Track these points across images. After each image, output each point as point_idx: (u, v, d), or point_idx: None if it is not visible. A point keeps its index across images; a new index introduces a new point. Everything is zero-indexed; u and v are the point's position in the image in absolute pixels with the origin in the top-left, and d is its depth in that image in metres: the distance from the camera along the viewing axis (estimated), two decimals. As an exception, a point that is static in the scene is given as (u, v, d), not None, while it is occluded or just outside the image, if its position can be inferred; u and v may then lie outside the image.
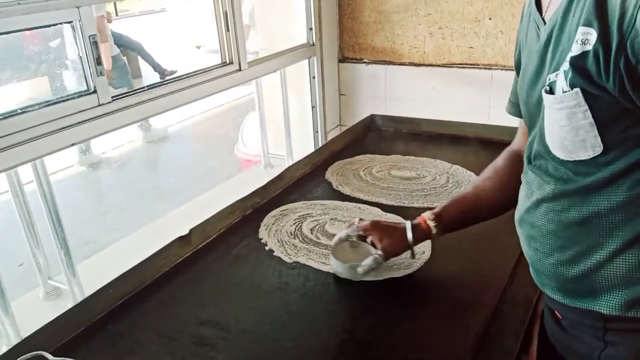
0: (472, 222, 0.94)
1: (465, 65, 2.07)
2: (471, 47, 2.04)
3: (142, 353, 0.78)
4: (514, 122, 0.94)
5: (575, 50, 0.59)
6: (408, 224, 0.91)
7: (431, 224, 0.90)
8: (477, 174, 1.28)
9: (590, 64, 0.57)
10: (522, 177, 0.78)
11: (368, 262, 0.88)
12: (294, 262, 0.98)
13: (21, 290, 1.65)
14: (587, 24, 0.57)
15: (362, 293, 0.89)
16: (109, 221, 3.53)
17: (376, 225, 0.93)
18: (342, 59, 2.31)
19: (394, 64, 2.21)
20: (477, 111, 2.03)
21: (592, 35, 0.56)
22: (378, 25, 2.18)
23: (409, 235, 0.89)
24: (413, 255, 0.91)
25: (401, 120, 1.73)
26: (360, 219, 0.96)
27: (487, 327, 0.79)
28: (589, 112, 0.60)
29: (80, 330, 0.85)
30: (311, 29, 2.15)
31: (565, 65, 0.60)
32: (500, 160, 0.94)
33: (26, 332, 1.25)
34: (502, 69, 2.00)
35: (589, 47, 0.57)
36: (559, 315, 0.76)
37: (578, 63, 0.58)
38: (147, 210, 3.55)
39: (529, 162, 0.75)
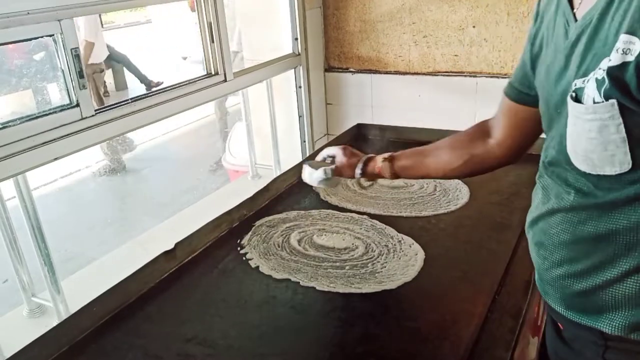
0: (421, 176, 0.99)
1: (450, 73, 2.08)
2: (456, 55, 2.05)
3: (127, 373, 0.76)
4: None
5: (615, 59, 0.55)
6: (363, 158, 1.00)
7: (382, 165, 0.95)
8: (465, 183, 1.29)
9: (630, 77, 0.54)
10: (538, 180, 0.76)
11: (319, 172, 1.00)
12: (283, 278, 0.97)
13: (4, 308, 1.62)
14: (632, 31, 0.53)
15: (352, 305, 0.88)
16: (94, 236, 3.49)
17: (344, 149, 1.03)
18: (328, 69, 2.31)
19: (379, 72, 2.21)
20: (463, 118, 2.03)
21: (636, 45, 0.53)
22: (363, 34, 2.19)
23: (358, 170, 0.98)
24: (361, 186, 1.21)
25: (388, 129, 1.73)
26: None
27: (477, 337, 0.79)
28: (622, 126, 0.56)
29: (63, 350, 0.83)
30: (296, 39, 2.15)
31: (599, 74, 0.56)
32: (468, 130, 0.96)
33: (10, 352, 1.22)
34: (487, 77, 2.01)
35: (631, 58, 0.53)
36: (560, 327, 0.74)
37: (617, 74, 0.54)
38: (132, 224, 3.51)
39: (545, 166, 0.72)
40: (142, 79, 6.82)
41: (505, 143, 0.88)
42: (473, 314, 0.83)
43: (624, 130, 0.56)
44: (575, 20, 0.64)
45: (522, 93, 0.82)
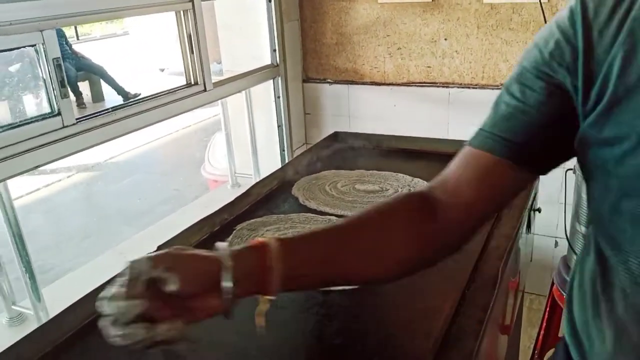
0: (325, 284, 0.71)
1: (423, 84, 2.15)
2: (429, 67, 2.13)
3: (113, 369, 0.79)
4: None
5: None
6: (225, 255, 0.58)
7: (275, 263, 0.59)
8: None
9: None
10: (628, 310, 0.59)
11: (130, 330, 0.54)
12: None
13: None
14: None
15: (330, 301, 0.92)
16: (72, 247, 3.46)
17: (174, 258, 0.57)
18: (306, 79, 2.37)
19: (356, 83, 2.28)
20: (437, 127, 2.11)
21: None
22: (340, 46, 2.26)
23: (226, 283, 0.57)
24: (227, 314, 0.60)
25: (364, 137, 1.78)
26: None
27: (449, 327, 0.83)
28: None
29: (48, 350, 0.85)
30: (275, 50, 2.20)
31: None
32: (394, 206, 0.70)
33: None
34: (458, 87, 2.09)
35: None
36: None
37: None
38: (111, 235, 3.49)
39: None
40: (119, 90, 6.80)
41: (472, 214, 0.68)
42: (445, 307, 0.88)
43: None
44: None
45: (518, 146, 0.62)
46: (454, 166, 0.69)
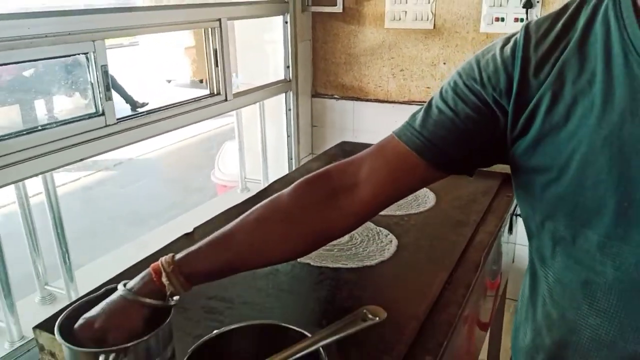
0: (230, 272, 0.75)
1: (423, 103, 2.35)
2: (428, 87, 2.33)
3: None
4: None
5: None
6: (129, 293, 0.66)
7: (170, 282, 0.67)
8: (432, 190, 1.53)
9: None
10: (601, 304, 0.62)
11: None
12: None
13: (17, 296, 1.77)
14: None
15: (339, 276, 1.10)
16: (81, 245, 3.61)
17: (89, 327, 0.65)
18: (315, 95, 2.57)
19: (361, 100, 2.48)
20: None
21: None
22: (347, 66, 2.46)
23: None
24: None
25: (369, 146, 1.97)
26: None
27: (437, 299, 1.01)
28: None
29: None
30: (288, 67, 2.41)
31: None
32: (298, 192, 0.75)
33: (25, 332, 1.39)
34: (455, 107, 2.29)
35: None
36: None
37: None
38: (121, 236, 3.65)
39: (616, 291, 0.60)
40: (128, 99, 6.98)
41: (375, 200, 0.73)
42: (434, 285, 1.06)
43: None
44: None
45: (441, 152, 0.68)
46: (374, 153, 0.74)
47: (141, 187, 4.97)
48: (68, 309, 0.66)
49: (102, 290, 0.69)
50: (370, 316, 0.62)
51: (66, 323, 0.63)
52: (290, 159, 2.54)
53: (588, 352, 0.63)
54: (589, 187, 0.57)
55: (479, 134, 0.66)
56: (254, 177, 2.54)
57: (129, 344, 0.60)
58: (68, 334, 0.61)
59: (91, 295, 0.69)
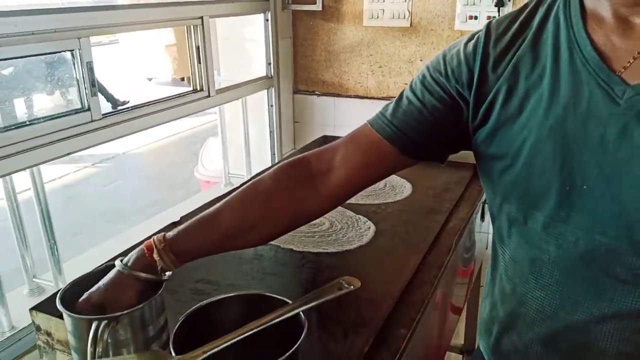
0: (216, 251, 0.81)
1: (401, 98, 2.43)
2: (406, 84, 2.40)
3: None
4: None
5: None
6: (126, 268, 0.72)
7: (160, 258, 0.73)
8: (409, 181, 1.61)
9: None
10: (535, 281, 0.68)
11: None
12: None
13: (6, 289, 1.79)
14: None
15: (320, 260, 1.17)
16: (65, 243, 3.61)
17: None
18: (296, 91, 2.63)
19: (341, 96, 2.54)
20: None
21: None
22: (327, 63, 2.53)
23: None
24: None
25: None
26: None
27: (411, 279, 1.08)
28: None
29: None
30: (270, 64, 2.46)
31: None
32: (276, 175, 0.80)
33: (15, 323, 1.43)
34: (431, 102, 2.37)
35: None
36: None
37: None
38: (104, 233, 3.66)
39: (570, 262, 0.64)
40: (109, 97, 6.95)
41: (348, 184, 0.78)
42: (409, 266, 1.13)
43: None
44: (626, 84, 0.58)
45: (410, 140, 0.74)
46: (348, 140, 0.79)
47: (123, 185, 4.97)
48: (69, 283, 0.71)
49: (103, 265, 0.74)
50: (345, 285, 0.68)
51: (67, 296, 0.68)
52: (273, 154, 2.59)
53: (534, 322, 0.70)
54: (537, 173, 0.63)
55: (444, 123, 0.72)
56: (238, 172, 2.59)
57: (120, 313, 0.66)
58: (68, 306, 0.67)
59: (91, 270, 0.74)
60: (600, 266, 0.61)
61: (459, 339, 2.01)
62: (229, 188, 2.59)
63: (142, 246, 0.74)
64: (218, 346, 0.59)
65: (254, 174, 2.50)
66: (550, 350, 0.69)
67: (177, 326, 0.66)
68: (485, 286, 0.88)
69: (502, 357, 0.77)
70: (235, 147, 2.56)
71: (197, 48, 2.02)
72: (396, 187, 1.57)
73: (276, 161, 2.57)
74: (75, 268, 1.90)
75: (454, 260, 1.24)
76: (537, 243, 0.66)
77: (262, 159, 2.60)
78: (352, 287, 0.69)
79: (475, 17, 2.18)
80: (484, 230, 1.75)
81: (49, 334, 0.92)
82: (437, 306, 1.18)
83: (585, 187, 0.60)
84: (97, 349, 0.62)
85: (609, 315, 0.62)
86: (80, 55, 1.55)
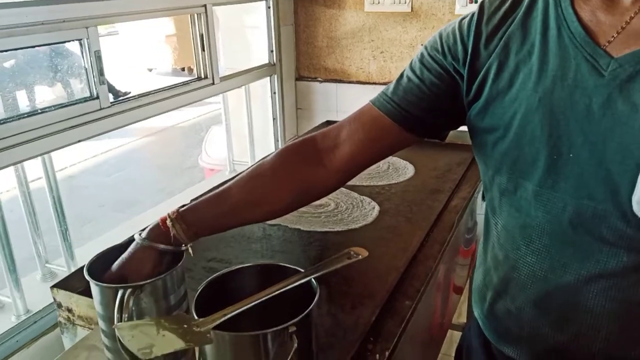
0: (229, 227, 0.85)
1: (402, 83, 2.45)
2: (407, 68, 2.44)
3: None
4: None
5: None
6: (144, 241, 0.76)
7: (175, 229, 0.76)
8: (411, 162, 1.64)
9: None
10: (526, 246, 0.71)
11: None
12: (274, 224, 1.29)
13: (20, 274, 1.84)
14: None
15: (327, 238, 1.21)
16: (75, 232, 3.66)
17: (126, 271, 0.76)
18: (299, 78, 2.66)
19: (343, 82, 2.57)
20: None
21: None
22: (329, 49, 2.55)
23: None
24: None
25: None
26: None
27: (415, 253, 1.13)
28: None
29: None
30: (272, 51, 2.49)
31: None
32: (284, 155, 0.84)
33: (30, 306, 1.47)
34: (432, 87, 2.40)
35: None
36: None
37: None
38: (110, 223, 3.71)
39: (559, 226, 0.67)
40: (110, 88, 6.96)
41: (352, 160, 0.81)
42: (413, 242, 1.18)
43: None
44: (611, 57, 0.61)
45: (411, 116, 0.77)
46: (352, 119, 0.82)
47: (127, 174, 5.01)
48: (94, 255, 0.76)
49: (127, 239, 0.79)
50: (354, 254, 0.72)
51: (93, 267, 0.73)
52: (276, 140, 2.63)
53: (526, 285, 0.74)
54: (527, 142, 0.66)
55: (442, 99, 0.76)
56: (241, 159, 2.63)
57: (144, 282, 0.70)
58: (95, 277, 0.71)
59: (116, 244, 0.79)
60: (587, 229, 0.65)
61: (461, 318, 2.06)
62: (233, 174, 2.63)
63: (158, 219, 0.79)
64: (238, 309, 0.63)
65: (257, 160, 2.53)
66: (542, 311, 0.72)
67: (198, 292, 0.70)
68: (478, 257, 0.91)
69: (497, 321, 0.80)
70: (238, 135, 2.60)
71: (201, 36, 2.05)
72: (399, 169, 1.60)
73: (279, 148, 2.60)
74: (88, 252, 1.95)
75: (456, 239, 1.28)
76: (526, 211, 0.70)
77: (266, 146, 2.63)
78: (360, 256, 0.72)
79: (476, 1, 2.20)
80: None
81: (69, 310, 0.96)
82: (440, 282, 1.23)
83: (571, 155, 0.63)
84: (122, 316, 0.66)
85: (596, 275, 0.66)
86: (88, 44, 1.58)
